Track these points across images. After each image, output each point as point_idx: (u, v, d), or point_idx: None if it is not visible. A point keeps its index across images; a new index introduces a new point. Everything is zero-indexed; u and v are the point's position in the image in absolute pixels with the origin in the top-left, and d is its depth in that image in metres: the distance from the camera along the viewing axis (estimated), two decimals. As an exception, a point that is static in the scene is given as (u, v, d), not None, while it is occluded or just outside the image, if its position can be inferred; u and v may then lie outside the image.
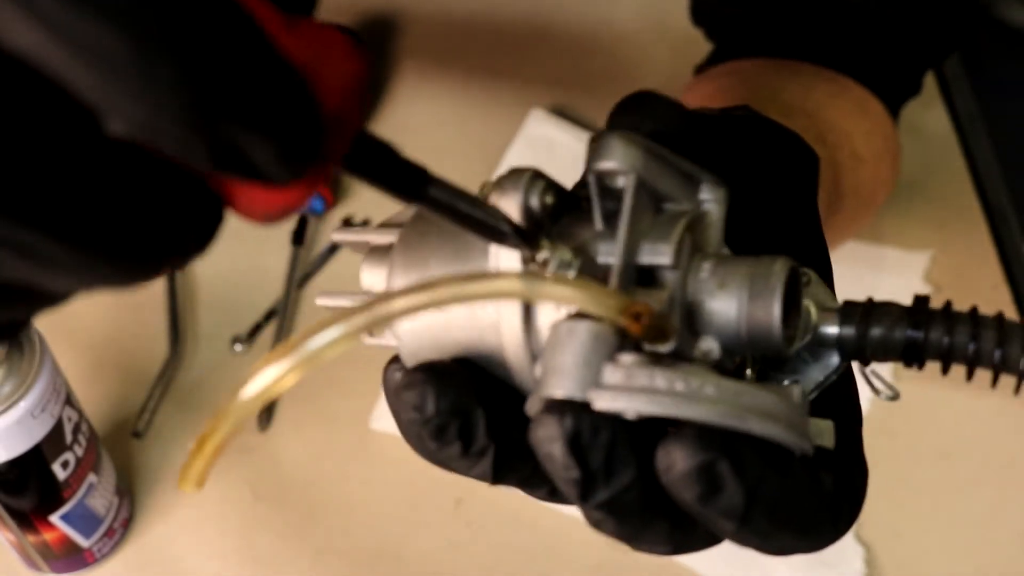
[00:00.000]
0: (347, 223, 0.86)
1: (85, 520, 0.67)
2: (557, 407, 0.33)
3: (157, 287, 0.82)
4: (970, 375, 0.37)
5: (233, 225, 0.84)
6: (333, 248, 0.85)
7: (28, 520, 0.65)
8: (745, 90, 0.64)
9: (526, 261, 0.35)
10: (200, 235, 0.27)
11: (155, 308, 0.82)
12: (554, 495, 0.39)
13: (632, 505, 0.34)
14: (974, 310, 0.36)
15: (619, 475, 0.34)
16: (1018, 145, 0.97)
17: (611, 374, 0.33)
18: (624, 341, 0.34)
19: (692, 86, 0.71)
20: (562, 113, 0.91)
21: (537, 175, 0.36)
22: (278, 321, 0.81)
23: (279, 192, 0.26)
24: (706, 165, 0.38)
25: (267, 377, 0.31)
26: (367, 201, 0.88)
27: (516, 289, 0.32)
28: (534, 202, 0.36)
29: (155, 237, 0.26)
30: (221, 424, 0.31)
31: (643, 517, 0.35)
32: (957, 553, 0.72)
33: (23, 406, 0.60)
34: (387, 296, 0.31)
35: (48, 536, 0.67)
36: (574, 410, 0.33)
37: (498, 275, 0.33)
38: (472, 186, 0.36)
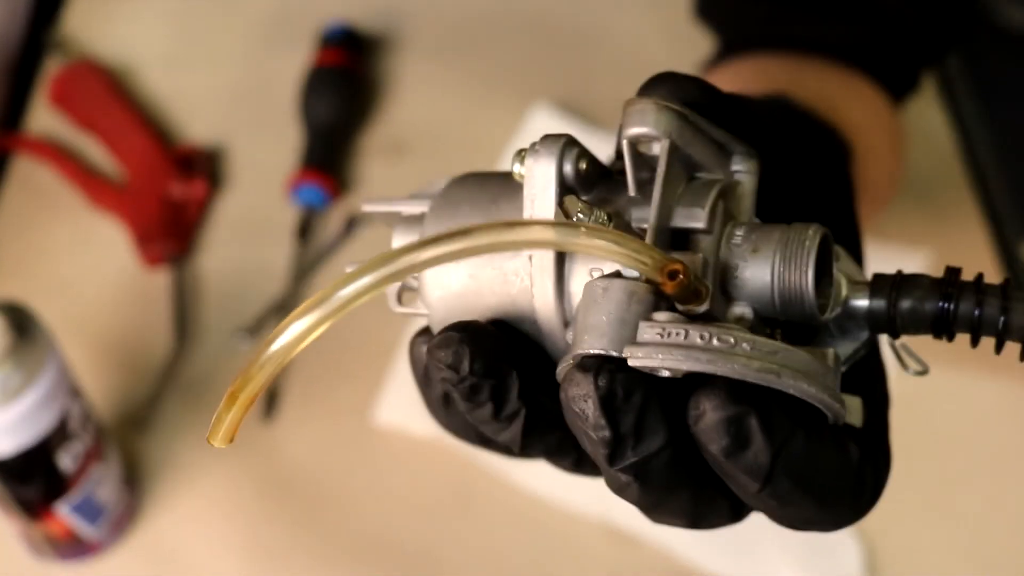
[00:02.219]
0: (351, 224, 0.86)
1: (91, 510, 0.68)
2: (592, 365, 0.33)
3: (162, 281, 0.83)
4: (999, 348, 0.36)
5: (237, 220, 0.84)
6: (336, 242, 0.85)
7: (35, 510, 0.66)
8: (762, 84, 0.64)
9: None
10: None
11: (160, 302, 0.82)
12: (579, 466, 0.38)
13: (658, 471, 0.34)
14: (1007, 281, 0.36)
15: (648, 439, 0.33)
16: (1018, 145, 0.97)
17: (647, 331, 0.33)
18: (658, 301, 0.34)
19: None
20: (564, 108, 0.92)
21: (572, 141, 0.36)
22: (282, 314, 0.81)
23: None
24: (739, 137, 0.38)
25: (297, 328, 0.31)
26: (369, 195, 0.88)
27: (551, 238, 0.32)
28: (568, 168, 0.36)
29: None
30: (253, 377, 0.31)
31: (668, 485, 0.34)
32: (955, 545, 0.72)
33: (30, 398, 0.61)
34: (418, 244, 0.31)
35: (54, 526, 0.67)
36: (608, 369, 0.33)
37: (533, 223, 0.32)
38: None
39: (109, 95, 0.92)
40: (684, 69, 0.76)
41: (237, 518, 0.73)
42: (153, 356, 0.79)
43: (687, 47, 0.78)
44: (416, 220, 0.40)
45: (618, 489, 0.35)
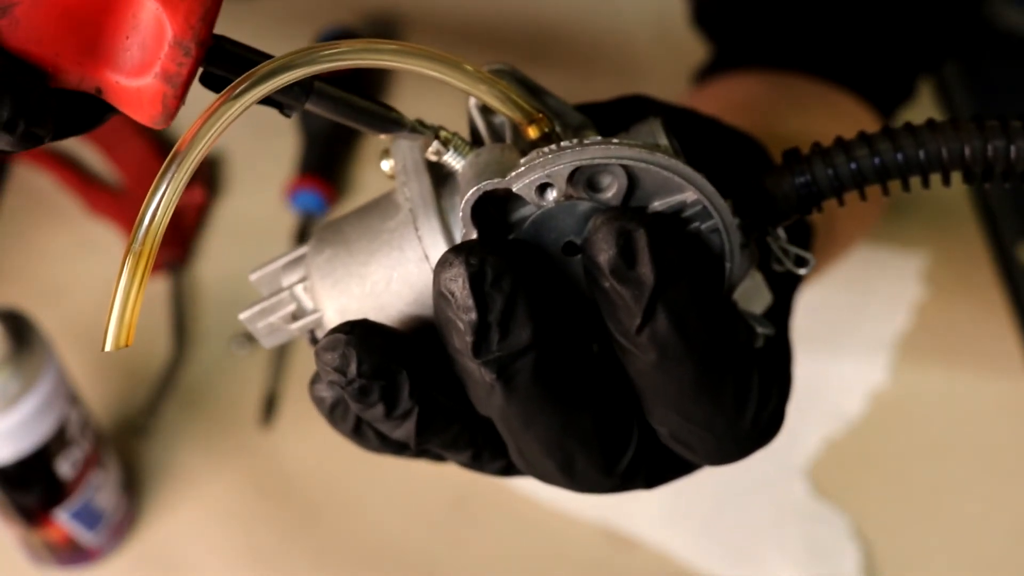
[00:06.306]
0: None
1: (90, 517, 0.68)
2: (465, 247, 0.33)
3: (161, 287, 0.83)
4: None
5: (235, 226, 0.84)
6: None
7: (34, 517, 0.66)
8: (746, 121, 0.64)
9: (429, 140, 0.37)
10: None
11: (159, 308, 0.82)
12: (476, 460, 0.38)
13: (524, 375, 0.34)
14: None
15: (515, 332, 0.33)
16: (1016, 146, 0.97)
17: (523, 162, 0.34)
18: (524, 150, 0.35)
19: (691, 101, 0.71)
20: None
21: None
22: (281, 320, 0.81)
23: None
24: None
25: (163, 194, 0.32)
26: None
27: (439, 70, 0.36)
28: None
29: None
30: (142, 255, 0.32)
31: (534, 395, 0.34)
32: (954, 547, 0.72)
33: (28, 404, 0.61)
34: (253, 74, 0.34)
35: (53, 533, 0.67)
36: (480, 251, 0.33)
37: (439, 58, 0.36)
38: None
39: (107, 101, 0.92)
40: (681, 73, 0.77)
41: (236, 524, 0.73)
42: (152, 362, 0.80)
43: (685, 53, 0.79)
44: (299, 259, 0.40)
45: (485, 396, 0.34)
